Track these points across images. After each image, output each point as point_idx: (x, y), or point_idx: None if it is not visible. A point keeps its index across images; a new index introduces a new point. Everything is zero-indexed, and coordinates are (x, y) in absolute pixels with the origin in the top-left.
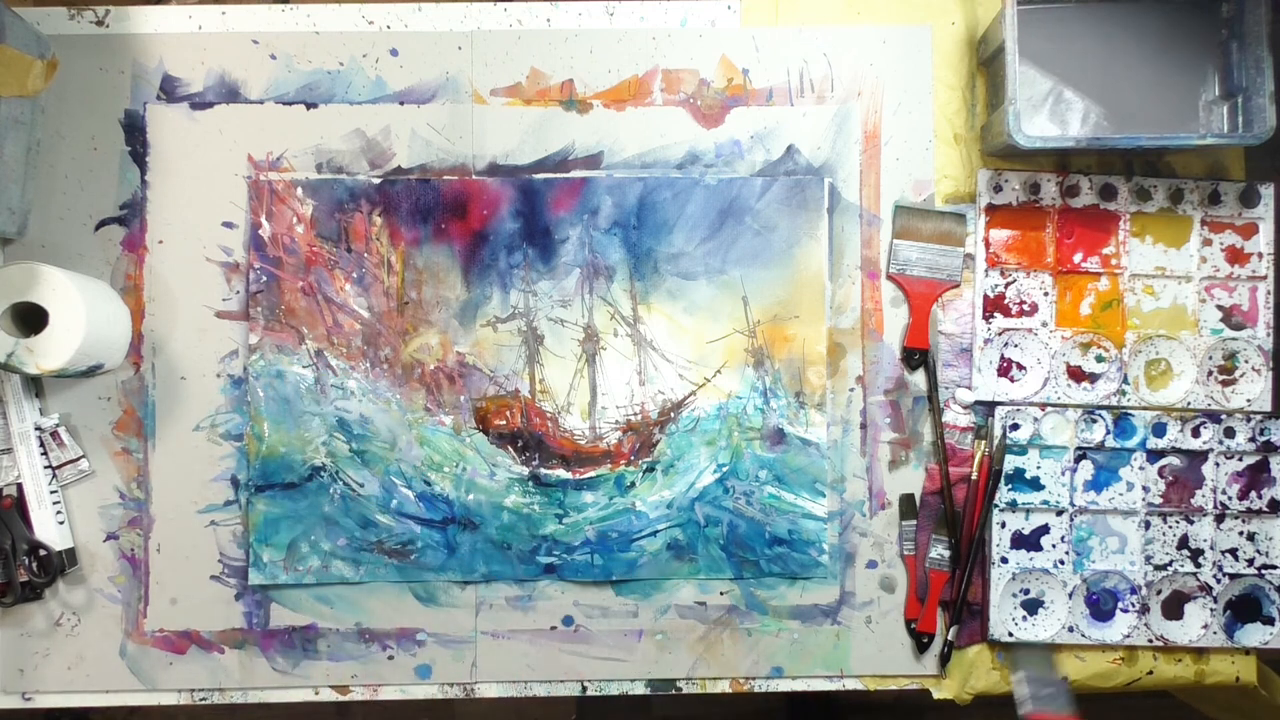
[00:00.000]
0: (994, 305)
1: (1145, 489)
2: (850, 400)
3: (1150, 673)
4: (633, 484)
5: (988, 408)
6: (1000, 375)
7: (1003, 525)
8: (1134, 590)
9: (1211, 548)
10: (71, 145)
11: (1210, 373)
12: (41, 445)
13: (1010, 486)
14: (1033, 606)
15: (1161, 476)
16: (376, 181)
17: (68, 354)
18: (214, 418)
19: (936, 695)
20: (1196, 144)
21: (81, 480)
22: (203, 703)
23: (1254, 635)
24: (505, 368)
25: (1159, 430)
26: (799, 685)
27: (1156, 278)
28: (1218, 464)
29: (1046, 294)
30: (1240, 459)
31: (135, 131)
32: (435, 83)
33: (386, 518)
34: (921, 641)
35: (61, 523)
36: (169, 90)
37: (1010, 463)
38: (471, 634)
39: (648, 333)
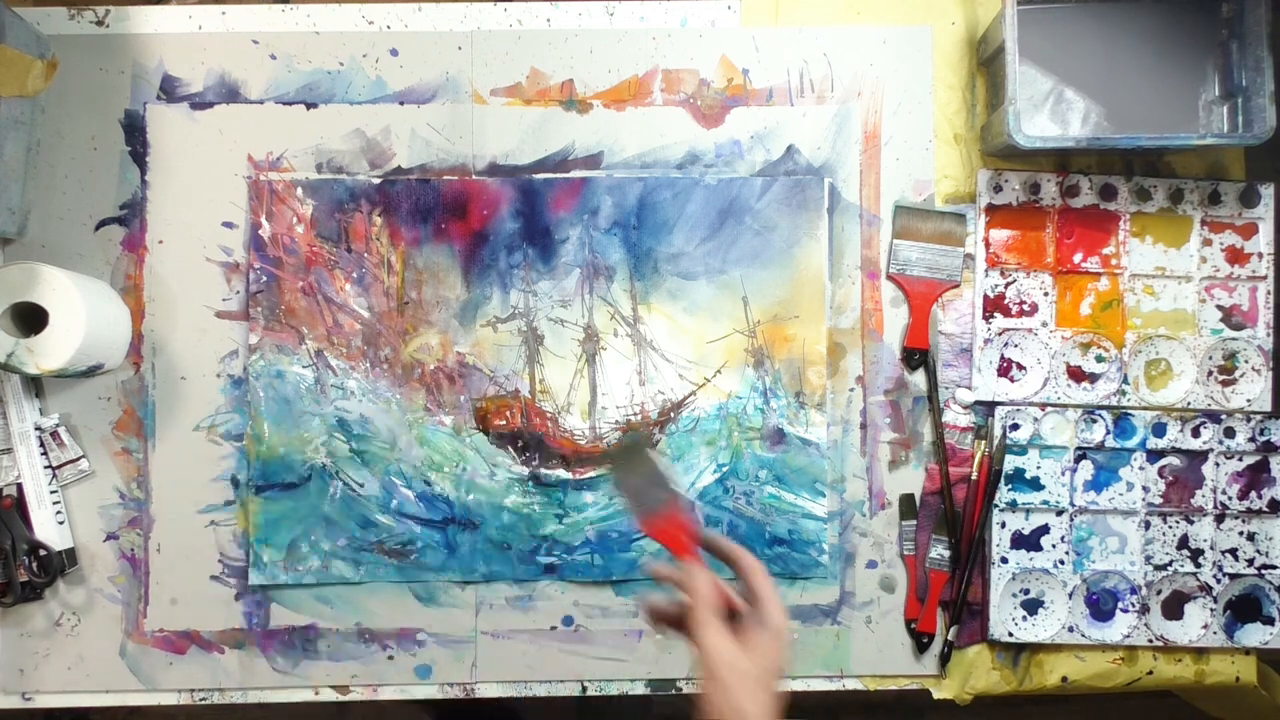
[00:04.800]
0: (994, 305)
1: (1145, 489)
2: (850, 400)
3: (1150, 673)
4: None
5: (988, 408)
6: (1000, 375)
7: (1003, 525)
8: (1134, 590)
9: (1211, 548)
10: (71, 145)
11: (1210, 373)
12: (41, 445)
13: (1010, 486)
14: (1033, 606)
15: (1161, 476)
16: (376, 181)
17: (68, 354)
18: (214, 418)
19: (936, 695)
20: (1196, 144)
21: (81, 480)
22: (203, 703)
23: (1254, 635)
24: (505, 368)
25: (1159, 430)
26: (799, 685)
27: (1156, 278)
28: (1218, 464)
29: (1046, 294)
30: (1240, 459)
31: (135, 131)
32: (435, 83)
33: (386, 518)
34: (921, 641)
35: (61, 523)
36: (169, 90)
37: (1010, 463)
38: (471, 634)
39: (648, 333)
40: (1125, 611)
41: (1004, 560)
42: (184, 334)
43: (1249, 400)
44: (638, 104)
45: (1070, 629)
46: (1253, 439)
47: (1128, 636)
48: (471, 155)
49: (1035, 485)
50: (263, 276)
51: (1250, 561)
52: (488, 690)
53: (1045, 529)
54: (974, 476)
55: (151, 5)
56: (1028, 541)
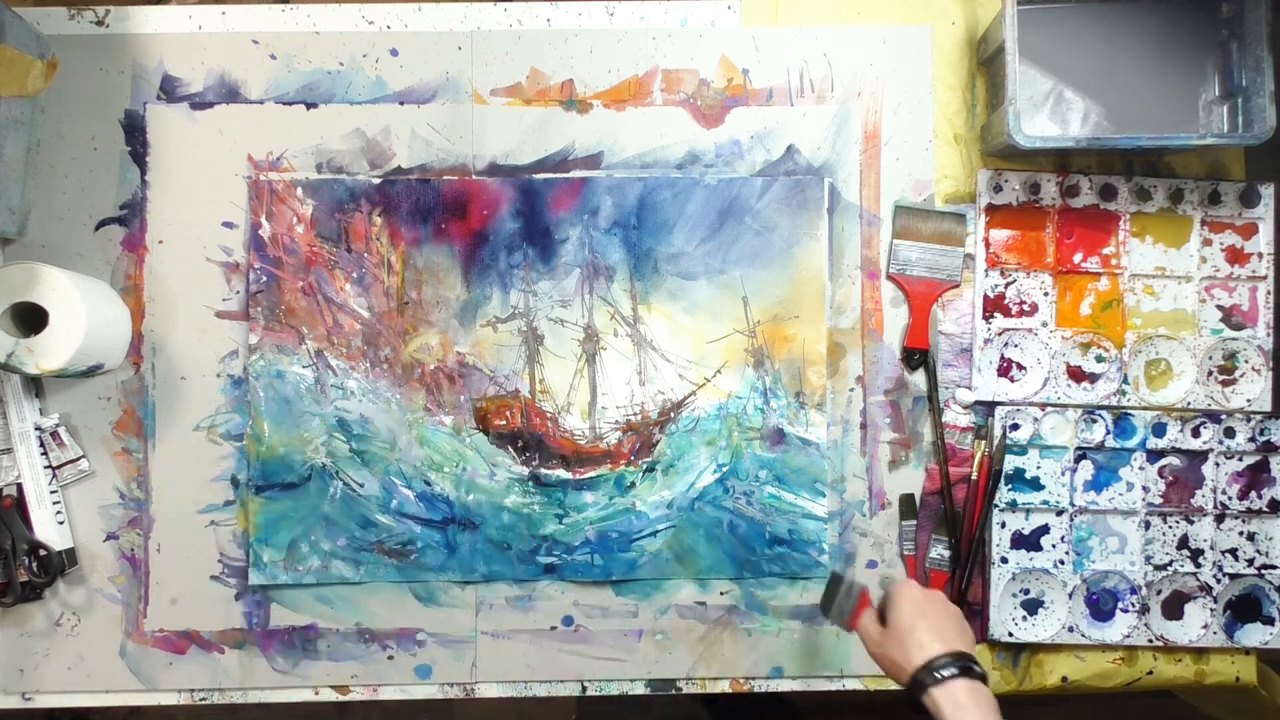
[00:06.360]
0: (994, 305)
1: (1145, 489)
2: (850, 400)
3: (1150, 673)
4: (633, 484)
5: (988, 408)
6: (1000, 375)
7: (1003, 525)
8: (1134, 590)
9: (1211, 548)
10: (71, 145)
11: (1210, 373)
12: (41, 445)
13: (1010, 486)
14: (1033, 606)
15: (1161, 476)
16: (376, 181)
17: (68, 354)
18: (214, 418)
19: None
20: (1196, 144)
21: (81, 480)
22: (203, 703)
23: (1254, 635)
24: (505, 368)
25: (1159, 430)
26: (799, 685)
27: (1156, 278)
28: (1218, 464)
29: (1046, 294)
30: (1240, 459)
31: (135, 131)
32: (435, 83)
33: (386, 518)
34: None
35: (61, 523)
36: (169, 90)
37: (1010, 463)
38: (471, 634)
39: (648, 333)
40: (1125, 611)
41: (1004, 560)
42: (184, 334)
43: (1249, 400)
44: (638, 104)
45: (1070, 629)
46: (1253, 439)
47: (1128, 636)
48: (471, 155)
49: (1035, 485)
50: (263, 276)
51: (1250, 561)
52: (488, 690)
53: (1045, 529)
54: (974, 476)
55: (151, 5)
56: (1028, 541)
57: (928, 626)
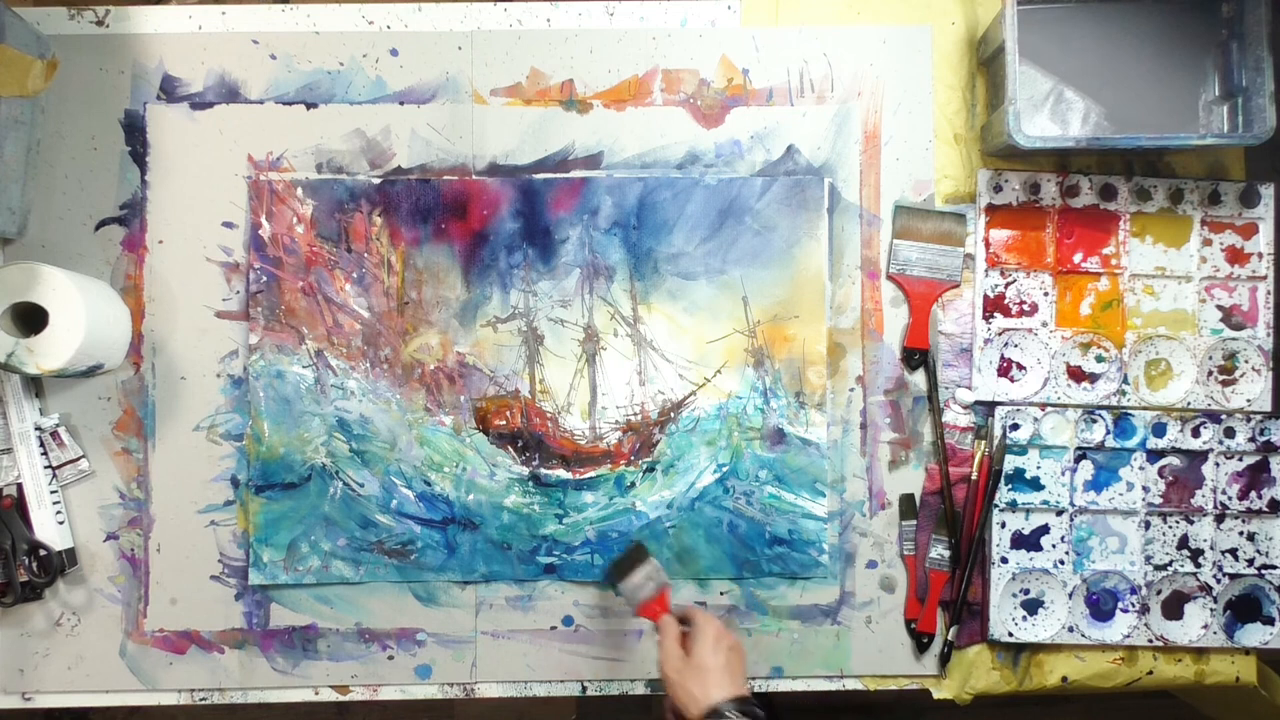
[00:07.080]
0: (994, 305)
1: (1145, 489)
2: (850, 400)
3: (1150, 673)
4: (633, 484)
5: (988, 408)
6: (1000, 375)
7: (1003, 525)
8: (1134, 590)
9: (1211, 548)
10: (71, 145)
11: (1210, 373)
12: (41, 445)
13: (1010, 486)
14: (1033, 606)
15: (1161, 476)
16: (376, 181)
17: (68, 354)
18: (214, 418)
19: (936, 695)
20: (1196, 144)
21: (81, 480)
22: (203, 703)
23: (1254, 635)
24: (505, 368)
25: (1159, 430)
26: (799, 685)
27: (1156, 278)
28: (1218, 464)
29: (1046, 294)
30: (1240, 459)
31: (135, 131)
32: (435, 83)
33: (386, 518)
34: (921, 641)
35: (61, 523)
36: (169, 90)
37: (1010, 463)
38: (471, 634)
39: (648, 333)
40: (1125, 611)
41: (1004, 560)
42: (184, 334)
43: (1249, 400)
44: (638, 104)
45: (1070, 629)
46: (1253, 439)
47: (1128, 636)
48: (471, 155)
49: (1035, 485)
50: (263, 276)
51: (1250, 561)
52: (488, 690)
53: (1045, 529)
54: (974, 476)
55: (151, 5)
56: (1028, 541)
57: (725, 667)
